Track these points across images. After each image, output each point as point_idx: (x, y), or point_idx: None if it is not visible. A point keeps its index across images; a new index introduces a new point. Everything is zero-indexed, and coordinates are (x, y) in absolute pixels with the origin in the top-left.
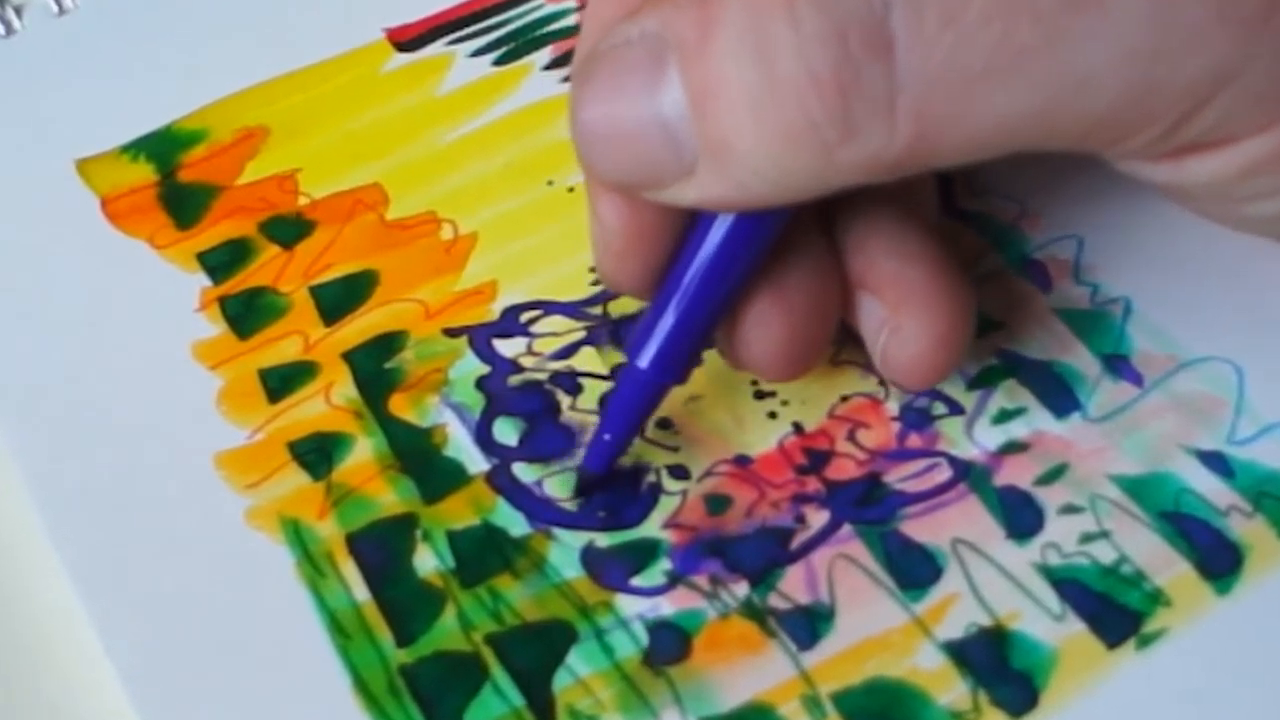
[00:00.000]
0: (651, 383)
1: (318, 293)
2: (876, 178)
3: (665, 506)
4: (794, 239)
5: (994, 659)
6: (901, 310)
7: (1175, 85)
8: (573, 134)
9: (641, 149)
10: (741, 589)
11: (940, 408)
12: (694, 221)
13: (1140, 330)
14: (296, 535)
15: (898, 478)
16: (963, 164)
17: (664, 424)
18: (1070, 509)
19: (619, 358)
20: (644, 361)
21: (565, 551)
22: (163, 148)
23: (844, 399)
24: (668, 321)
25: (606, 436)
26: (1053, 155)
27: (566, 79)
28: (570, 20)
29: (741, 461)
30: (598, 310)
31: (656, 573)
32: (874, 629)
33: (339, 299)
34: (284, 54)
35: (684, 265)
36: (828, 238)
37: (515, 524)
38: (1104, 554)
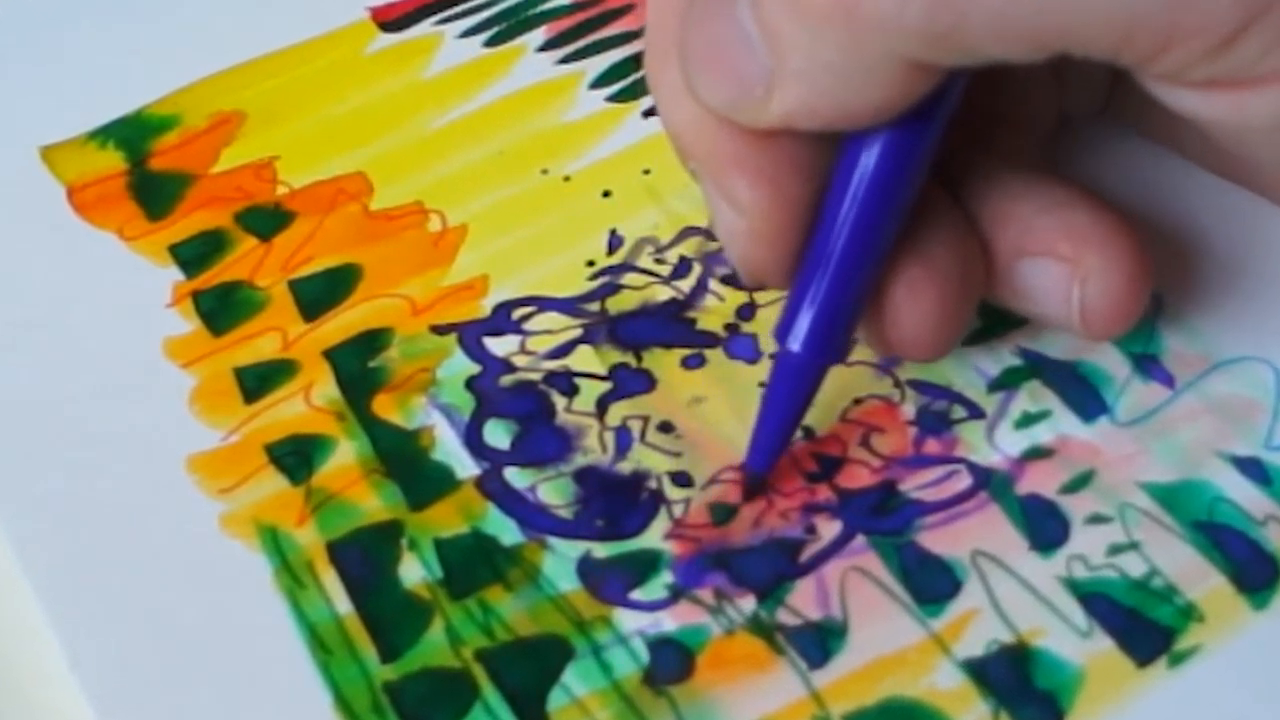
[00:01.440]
0: (807, 365)
1: (297, 287)
2: (923, 58)
3: (667, 516)
4: (931, 214)
5: (1016, 678)
6: (1084, 258)
7: None
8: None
9: (729, 60)
10: (748, 604)
11: (959, 411)
12: (831, 189)
13: (1171, 328)
14: (274, 543)
15: (914, 486)
16: (999, 56)
17: (666, 428)
18: (1097, 519)
19: (617, 357)
20: (796, 344)
21: (561, 562)
22: (133, 134)
23: (857, 402)
24: (815, 296)
25: (767, 432)
26: (1071, 142)
27: (562, 61)
28: None
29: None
30: (595, 307)
31: (658, 586)
32: (889, 646)
33: (320, 294)
34: (262, 35)
35: (824, 234)
36: (964, 215)
37: (507, 532)
38: (1133, 566)
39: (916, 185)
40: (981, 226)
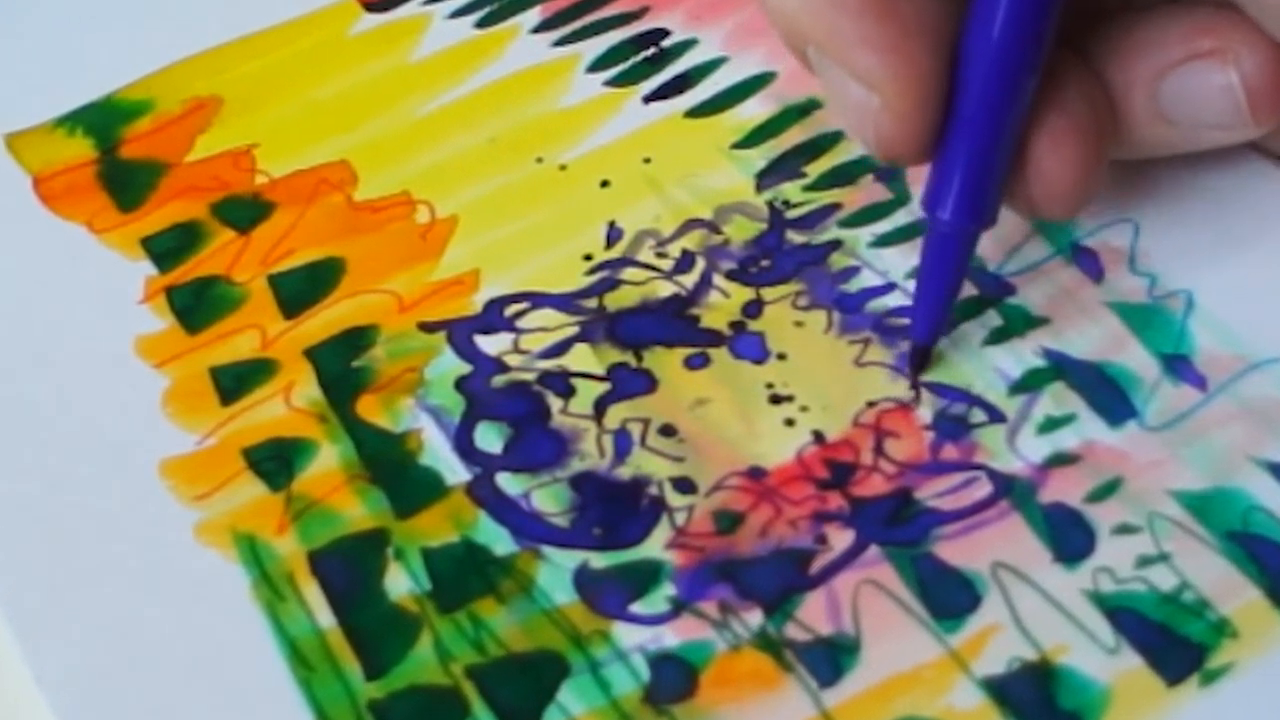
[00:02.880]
0: (959, 230)
1: (277, 282)
2: None
3: (669, 524)
4: (1060, 70)
5: (1039, 698)
6: (1229, 45)
7: None
8: None
9: None
10: (755, 618)
11: (979, 415)
12: (965, 53)
13: (1204, 327)
14: (252, 553)
15: (931, 494)
16: None
17: (668, 431)
18: (1125, 529)
19: (616, 356)
20: (945, 212)
21: (556, 573)
22: (103, 120)
23: (870, 405)
24: (960, 162)
25: (927, 304)
26: None
27: (558, 43)
28: None
29: (755, 474)
30: (592, 303)
31: (659, 598)
32: (904, 664)
33: (301, 289)
34: (240, 15)
35: (963, 99)
36: (1089, 70)
37: (499, 541)
38: (1163, 579)
39: (1049, 38)
40: (1113, 73)
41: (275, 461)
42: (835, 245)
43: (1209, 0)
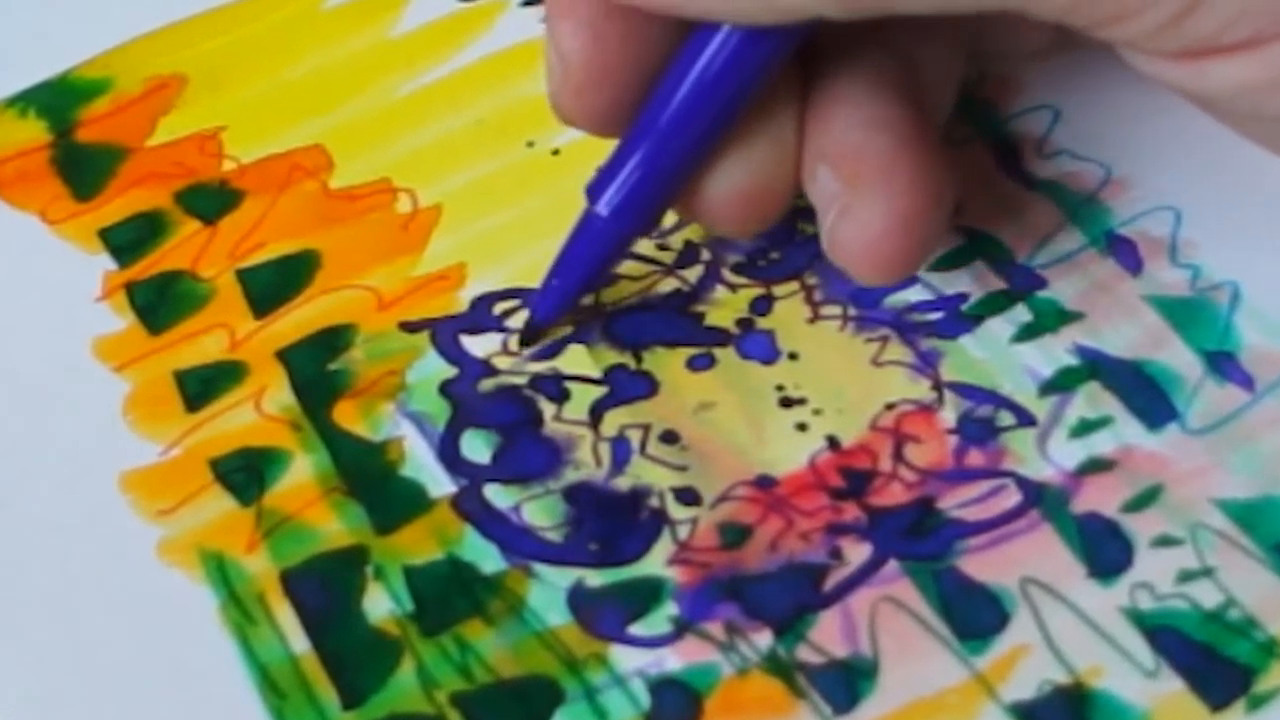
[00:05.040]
0: (612, 232)
1: (246, 278)
2: (833, 15)
3: (671, 538)
4: (766, 105)
5: None
6: (857, 184)
7: None
8: None
9: None
10: (764, 639)
11: (1007, 418)
12: (671, 67)
13: (1251, 321)
14: (220, 573)
15: (955, 504)
16: (928, 9)
17: (669, 438)
18: (1165, 541)
19: (613, 357)
20: (604, 208)
21: (549, 592)
22: (57, 101)
23: (889, 407)
24: (634, 165)
25: (555, 282)
26: (1141, 107)
27: None
28: None
29: (764, 484)
30: (588, 300)
31: (660, 619)
32: (926, 688)
33: (272, 286)
34: None
35: (654, 109)
36: (801, 108)
37: (487, 559)
38: (1207, 596)
39: (761, 85)
40: (806, 120)
41: (245, 473)
42: None
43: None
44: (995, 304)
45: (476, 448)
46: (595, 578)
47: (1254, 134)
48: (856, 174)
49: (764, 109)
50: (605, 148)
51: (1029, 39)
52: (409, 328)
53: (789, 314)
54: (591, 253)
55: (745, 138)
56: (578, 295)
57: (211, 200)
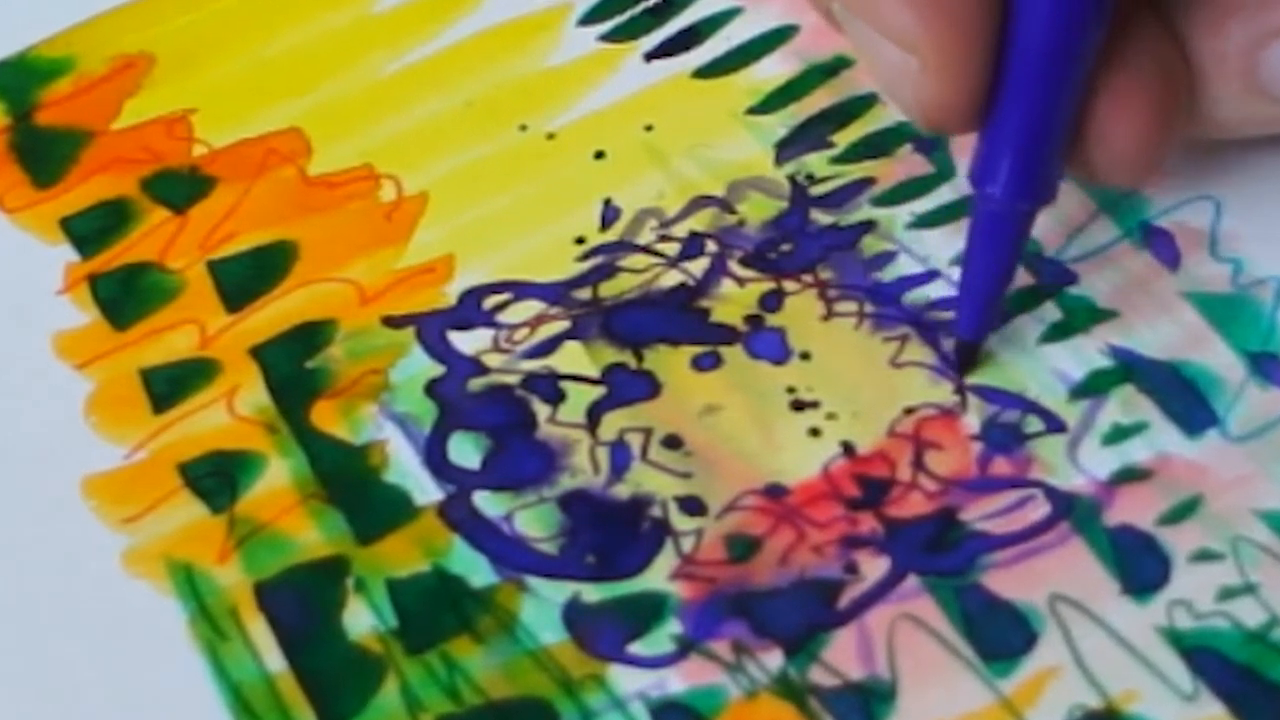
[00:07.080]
0: (1013, 209)
1: (218, 270)
2: None
3: (674, 550)
4: (1128, 25)
5: None
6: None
7: None
8: None
9: None
10: (774, 659)
11: (1035, 423)
12: (1018, 9)
13: None
14: (190, 585)
15: (979, 515)
16: None
17: (672, 443)
18: (1205, 555)
19: (612, 355)
20: (997, 187)
21: (543, 608)
22: (16, 81)
23: (908, 412)
24: (1012, 127)
25: (974, 294)
26: None
27: None
28: None
29: (774, 493)
30: (585, 294)
31: (662, 637)
32: (948, 712)
33: (246, 278)
34: None
35: (1016, 61)
36: (1163, 26)
37: (477, 571)
38: (1250, 614)
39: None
40: (1200, 39)
41: (216, 478)
42: (868, 227)
43: None
44: (1022, 301)
45: (465, 452)
46: (592, 593)
47: None
48: None
49: (1127, 44)
50: (599, 130)
51: None
52: (393, 323)
53: (801, 310)
54: (999, 242)
55: (1127, 71)
56: (1000, 296)
57: (181, 187)
